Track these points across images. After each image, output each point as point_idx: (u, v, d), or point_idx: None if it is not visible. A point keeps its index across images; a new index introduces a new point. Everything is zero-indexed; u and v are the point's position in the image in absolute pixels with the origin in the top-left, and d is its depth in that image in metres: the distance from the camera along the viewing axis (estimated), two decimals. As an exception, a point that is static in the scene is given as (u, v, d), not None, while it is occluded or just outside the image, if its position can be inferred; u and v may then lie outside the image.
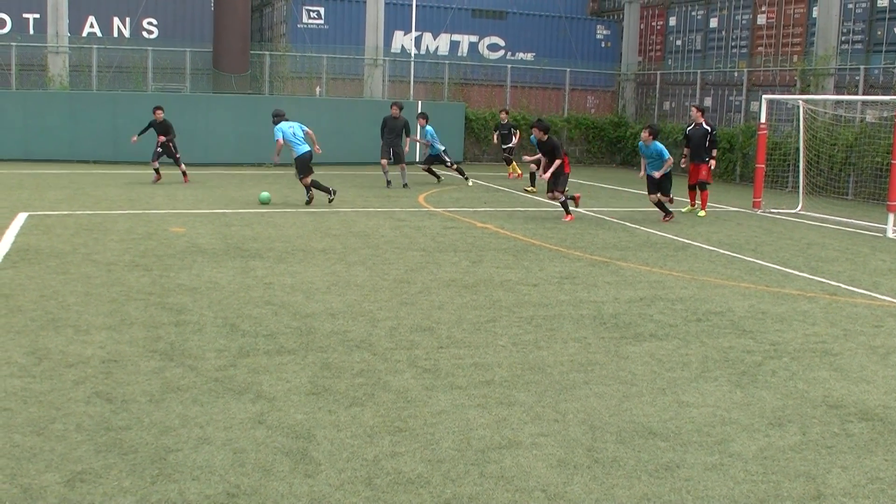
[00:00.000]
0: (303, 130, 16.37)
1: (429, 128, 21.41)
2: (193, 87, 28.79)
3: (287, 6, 30.88)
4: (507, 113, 24.42)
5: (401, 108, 20.68)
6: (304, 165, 16.32)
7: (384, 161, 20.42)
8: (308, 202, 16.44)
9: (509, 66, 31.55)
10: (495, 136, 24.42)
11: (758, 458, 5.20)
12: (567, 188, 15.85)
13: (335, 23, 31.09)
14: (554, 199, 15.61)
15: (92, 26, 30.39)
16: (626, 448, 5.26)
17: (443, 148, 21.51)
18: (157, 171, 19.85)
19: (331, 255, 11.32)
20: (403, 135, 20.48)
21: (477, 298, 9.11)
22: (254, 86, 28.68)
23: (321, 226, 13.98)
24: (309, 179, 16.39)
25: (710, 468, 5.02)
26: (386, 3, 29.40)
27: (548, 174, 15.38)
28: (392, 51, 30.92)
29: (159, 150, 19.70)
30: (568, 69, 31.85)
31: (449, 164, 21.54)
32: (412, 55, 30.44)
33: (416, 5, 29.69)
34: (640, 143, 15.76)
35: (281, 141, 16.02)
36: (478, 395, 6.12)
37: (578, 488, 4.70)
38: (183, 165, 20.10)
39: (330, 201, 16.49)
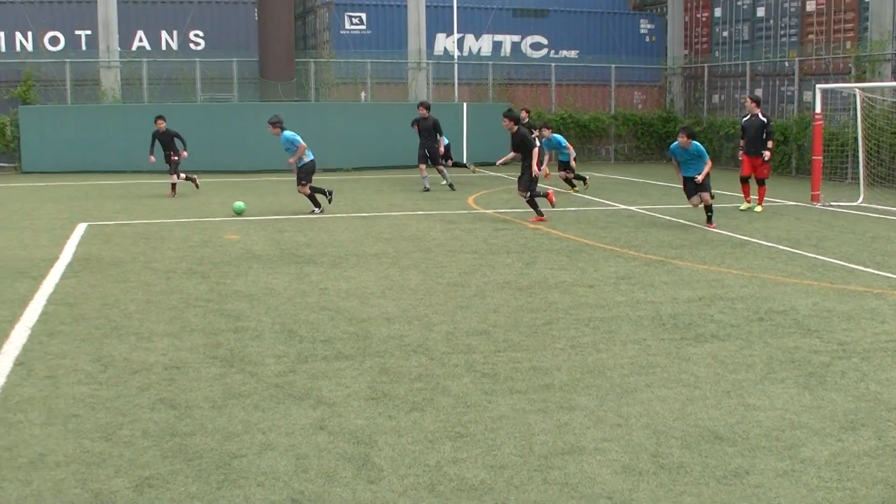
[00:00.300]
0: None
1: None
2: (241, 96, 29.10)
3: (329, 13, 31.07)
4: (528, 112, 23.97)
5: (428, 108, 20.57)
6: (310, 174, 15.97)
7: (422, 165, 20.42)
8: (318, 209, 16.09)
9: (553, 64, 31.41)
10: None
11: (831, 463, 5.04)
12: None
13: (377, 28, 31.21)
14: (523, 196, 15.16)
15: (141, 40, 30.90)
16: (692, 453, 5.15)
17: (446, 142, 21.43)
18: (190, 179, 19.30)
19: (384, 260, 11.34)
20: (437, 135, 20.35)
21: (532, 301, 9.05)
22: (300, 93, 28.90)
23: (372, 230, 14.01)
24: (308, 188, 16.01)
25: (781, 474, 4.88)
26: (427, 6, 29.42)
27: (544, 167, 14.88)
28: (435, 53, 30.97)
29: (175, 159, 18.96)
30: (613, 65, 31.62)
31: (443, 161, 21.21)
32: (455, 57, 30.45)
33: (458, 7, 29.67)
34: (676, 145, 14.59)
35: (303, 144, 15.63)
36: (538, 400, 6.05)
37: (645, 495, 4.61)
38: (175, 177, 19.04)
39: (326, 204, 16.23)
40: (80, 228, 14.10)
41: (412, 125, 21.47)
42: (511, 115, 15.12)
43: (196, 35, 31.31)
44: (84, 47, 29.89)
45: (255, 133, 25.72)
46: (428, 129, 20.30)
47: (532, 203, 15.10)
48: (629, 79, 32.24)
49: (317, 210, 16.00)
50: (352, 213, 16.11)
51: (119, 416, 5.68)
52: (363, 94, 29.35)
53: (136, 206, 17.22)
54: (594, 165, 29.22)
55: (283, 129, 15.69)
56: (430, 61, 29.85)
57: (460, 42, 31.20)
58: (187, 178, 19.34)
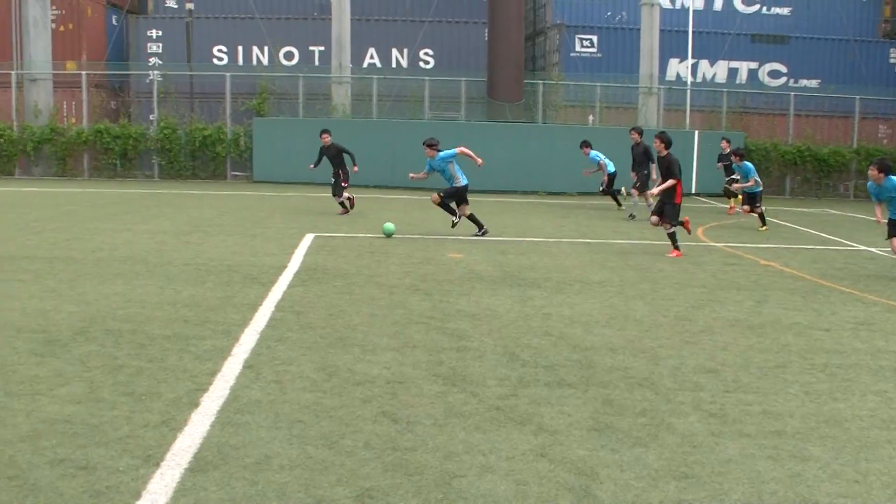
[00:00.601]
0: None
1: (592, 154, 21.11)
2: (469, 115, 29.65)
3: (560, 35, 31.19)
4: (728, 142, 22.87)
5: (641, 133, 20.10)
6: (455, 195, 15.74)
7: (634, 191, 20.13)
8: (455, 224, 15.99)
9: (792, 93, 30.05)
10: (719, 167, 22.93)
11: None
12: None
13: (608, 51, 31.05)
14: (659, 225, 14.22)
15: (372, 57, 32.26)
16: (941, 520, 4.70)
17: (612, 170, 21.05)
18: (342, 204, 18.75)
19: (608, 288, 11.14)
20: (648, 161, 19.78)
21: (763, 341, 8.60)
22: (527, 114, 29.12)
23: (596, 257, 13.83)
24: (468, 210, 15.79)
25: None
26: (661, 31, 28.91)
27: (656, 190, 14.04)
28: (667, 78, 30.40)
29: (341, 181, 18.49)
30: (857, 96, 29.83)
31: (602, 187, 21.03)
32: (688, 83, 29.73)
33: (693, 32, 28.98)
34: (869, 183, 12.71)
35: (462, 148, 15.44)
36: (768, 446, 5.71)
37: (889, 561, 4.24)
38: (343, 196, 18.63)
39: (454, 224, 16.00)
40: (308, 239, 14.77)
41: (581, 146, 21.63)
42: (664, 138, 14.34)
43: (426, 54, 32.31)
44: (317, 62, 31.54)
45: (481, 152, 26.06)
46: (639, 156, 19.93)
47: (672, 237, 14.29)
48: (875, 111, 30.35)
49: (455, 219, 15.76)
50: (576, 239, 16.00)
51: (342, 425, 5.81)
52: (591, 118, 29.21)
53: (359, 220, 17.86)
54: (831, 202, 27.69)
55: (438, 150, 15.50)
56: (662, 86, 29.29)
57: (694, 67, 30.48)
58: (345, 201, 18.76)
